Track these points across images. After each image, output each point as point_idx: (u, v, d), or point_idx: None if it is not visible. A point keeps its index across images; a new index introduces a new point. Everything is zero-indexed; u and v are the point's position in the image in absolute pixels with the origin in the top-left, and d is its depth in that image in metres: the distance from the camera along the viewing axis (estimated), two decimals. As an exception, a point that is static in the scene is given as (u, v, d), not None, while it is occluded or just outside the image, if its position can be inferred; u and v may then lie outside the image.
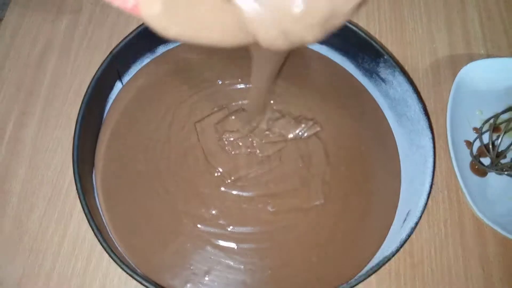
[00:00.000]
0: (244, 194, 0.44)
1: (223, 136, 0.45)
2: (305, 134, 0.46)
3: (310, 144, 0.46)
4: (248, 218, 0.43)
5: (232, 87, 0.48)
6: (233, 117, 0.46)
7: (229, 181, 0.44)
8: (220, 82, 0.48)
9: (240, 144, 0.45)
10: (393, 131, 0.47)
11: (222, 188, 0.44)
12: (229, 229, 0.42)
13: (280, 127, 0.46)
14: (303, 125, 0.46)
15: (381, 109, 0.48)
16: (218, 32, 0.20)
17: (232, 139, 0.45)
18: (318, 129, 0.46)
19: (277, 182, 0.44)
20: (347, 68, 0.50)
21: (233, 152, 0.45)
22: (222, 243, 0.42)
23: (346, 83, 0.50)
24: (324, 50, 0.50)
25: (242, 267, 0.41)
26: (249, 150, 0.45)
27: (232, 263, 0.41)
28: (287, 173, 0.45)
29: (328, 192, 0.44)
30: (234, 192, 0.44)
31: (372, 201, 0.44)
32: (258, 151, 0.45)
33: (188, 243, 0.41)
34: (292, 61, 0.48)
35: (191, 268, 0.40)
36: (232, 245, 0.42)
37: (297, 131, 0.46)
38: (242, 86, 0.49)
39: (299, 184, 0.44)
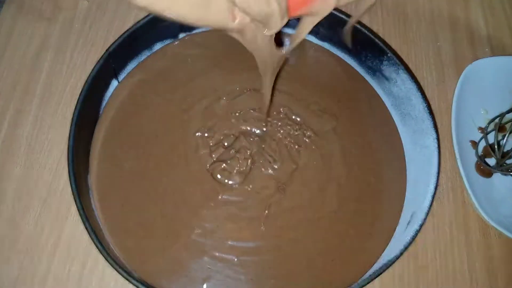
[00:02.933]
0: (243, 214, 0.40)
1: (208, 124, 0.41)
2: (325, 129, 0.44)
3: (329, 140, 0.44)
4: (249, 235, 0.39)
5: (230, 75, 0.45)
6: (224, 98, 0.42)
7: (220, 197, 0.40)
8: (217, 72, 0.45)
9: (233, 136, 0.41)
10: (399, 130, 0.46)
11: (212, 204, 0.40)
12: (228, 243, 0.39)
13: (299, 119, 0.43)
14: (320, 119, 0.44)
15: (386, 106, 0.47)
16: (201, 9, 0.18)
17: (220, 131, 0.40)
18: (335, 123, 0.44)
19: (292, 196, 0.41)
20: (351, 65, 0.49)
21: (218, 149, 0.41)
22: (220, 254, 0.39)
23: (352, 80, 0.48)
24: (327, 47, 0.49)
25: (243, 277, 0.38)
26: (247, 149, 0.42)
27: (232, 273, 0.38)
28: (307, 180, 0.42)
29: (342, 196, 0.42)
30: (229, 210, 0.40)
31: (381, 203, 0.42)
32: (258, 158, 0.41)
33: (183, 251, 0.38)
34: (295, 55, 0.47)
35: (188, 275, 0.38)
36: (232, 257, 0.39)
37: (316, 126, 0.44)
38: (239, 73, 0.45)
39: (316, 191, 0.42)
